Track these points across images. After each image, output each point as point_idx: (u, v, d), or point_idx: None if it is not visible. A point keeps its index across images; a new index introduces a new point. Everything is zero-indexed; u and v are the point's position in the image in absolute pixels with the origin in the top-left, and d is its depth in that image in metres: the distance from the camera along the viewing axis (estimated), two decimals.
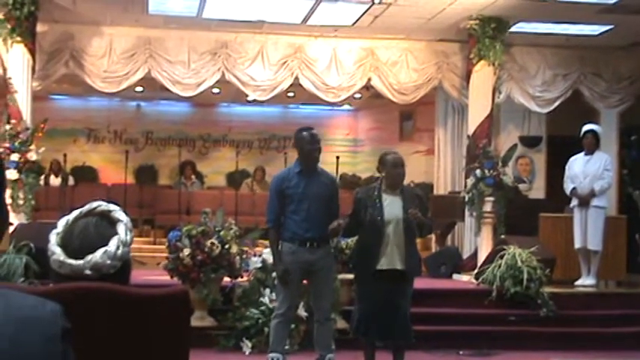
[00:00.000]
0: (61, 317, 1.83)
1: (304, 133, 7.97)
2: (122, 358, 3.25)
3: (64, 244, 2.95)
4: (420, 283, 12.18)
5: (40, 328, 1.77)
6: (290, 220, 7.87)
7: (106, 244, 2.92)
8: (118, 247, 2.94)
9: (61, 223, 2.99)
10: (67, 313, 1.89)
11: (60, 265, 2.92)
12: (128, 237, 2.99)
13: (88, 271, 2.89)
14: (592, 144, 11.96)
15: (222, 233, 10.04)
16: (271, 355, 7.99)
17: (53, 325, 1.80)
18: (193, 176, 17.84)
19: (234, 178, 17.99)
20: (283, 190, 7.88)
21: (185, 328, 3.75)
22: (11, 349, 1.72)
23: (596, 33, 13.58)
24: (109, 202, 3.10)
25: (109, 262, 2.93)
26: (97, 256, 2.89)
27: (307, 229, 7.81)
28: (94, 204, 3.05)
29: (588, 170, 11.94)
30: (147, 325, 3.52)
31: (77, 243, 2.96)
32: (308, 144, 7.91)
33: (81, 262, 2.91)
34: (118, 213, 3.02)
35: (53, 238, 2.97)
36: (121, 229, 2.99)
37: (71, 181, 17.30)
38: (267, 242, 11.05)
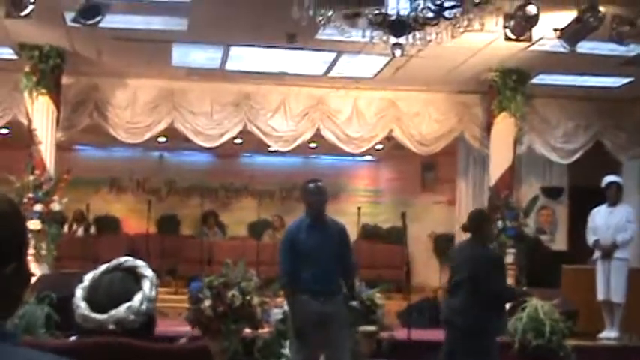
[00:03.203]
0: None
1: (310, 185, 8.04)
2: None
3: (89, 299, 2.98)
4: (440, 335, 12.20)
5: None
6: (302, 272, 7.85)
7: (130, 299, 2.95)
8: (142, 303, 2.97)
9: (88, 278, 3.02)
10: None
11: (85, 319, 2.95)
12: (153, 292, 3.02)
13: (111, 326, 2.92)
14: (615, 196, 11.93)
15: (243, 284, 10.04)
16: None
17: None
18: (215, 227, 17.88)
19: (256, 228, 18.00)
20: (294, 244, 7.89)
21: None
22: None
23: (617, 85, 13.61)
24: (135, 257, 3.13)
25: (132, 317, 2.96)
26: (121, 310, 2.92)
27: (318, 281, 7.79)
28: (122, 259, 3.10)
29: (611, 222, 11.90)
30: None
31: (102, 297, 2.99)
32: (313, 195, 7.97)
33: (105, 316, 2.94)
34: (144, 269, 3.06)
35: (79, 292, 3.00)
36: (146, 284, 3.02)
37: (94, 230, 17.38)
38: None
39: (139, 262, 3.09)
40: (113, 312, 2.93)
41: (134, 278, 3.05)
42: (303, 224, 8.04)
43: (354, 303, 8.11)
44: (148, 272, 3.06)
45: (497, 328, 8.45)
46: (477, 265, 8.07)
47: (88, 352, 2.82)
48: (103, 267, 3.08)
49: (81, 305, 2.97)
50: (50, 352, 1.91)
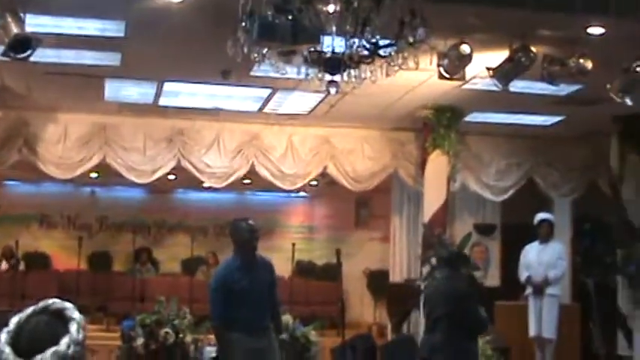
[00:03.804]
0: None
1: (242, 223, 8.04)
2: None
3: (13, 343, 2.88)
4: None
5: None
6: (235, 311, 7.83)
7: (56, 344, 2.86)
8: (68, 346, 2.87)
9: (13, 321, 2.92)
10: None
11: None
12: (80, 336, 2.93)
13: None
14: (547, 233, 12.08)
15: (176, 322, 9.95)
16: None
17: None
18: (148, 263, 17.69)
19: (190, 265, 17.84)
20: (228, 286, 7.83)
21: None
22: None
23: (548, 123, 13.79)
24: (65, 294, 3.06)
25: None
26: (47, 356, 2.83)
27: (252, 319, 7.85)
28: (49, 301, 3.00)
29: (543, 259, 12.03)
30: None
31: (27, 342, 2.89)
32: (247, 233, 7.95)
33: None
34: (72, 311, 2.97)
35: (3, 336, 2.90)
36: (73, 327, 2.93)
37: (23, 267, 17.06)
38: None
39: (67, 305, 2.99)
40: (39, 357, 2.83)
41: (61, 321, 2.96)
42: (233, 265, 8.01)
43: (284, 336, 8.09)
44: (76, 315, 2.97)
45: None
46: (458, 300, 8.10)
47: None
48: (29, 310, 2.98)
49: (5, 350, 2.87)
50: None
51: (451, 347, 8.01)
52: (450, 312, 8.03)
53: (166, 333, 9.77)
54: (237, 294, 7.79)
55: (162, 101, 13.03)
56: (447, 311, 8.06)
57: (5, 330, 2.91)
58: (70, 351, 2.89)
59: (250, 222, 8.06)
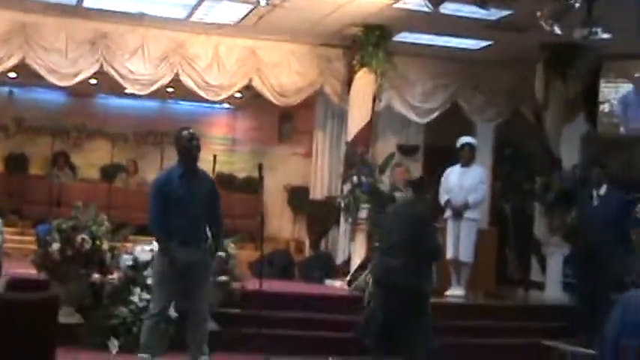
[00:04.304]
0: None
1: (184, 132, 8.07)
2: None
3: None
4: (292, 287, 12.26)
5: None
6: (170, 220, 7.85)
7: None
8: None
9: None
10: None
11: None
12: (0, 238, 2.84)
13: None
14: (469, 157, 12.17)
15: (93, 228, 9.82)
16: (142, 355, 7.86)
17: None
18: (66, 168, 17.41)
19: (109, 172, 17.60)
20: (165, 193, 7.89)
21: (51, 332, 3.61)
22: None
23: (477, 47, 13.79)
24: None
25: None
26: None
27: (187, 229, 7.84)
28: None
29: (463, 183, 12.14)
30: (13, 328, 3.37)
31: None
32: (187, 141, 7.98)
33: None
34: None
35: None
36: None
37: None
38: (139, 239, 10.93)
39: None
40: None
41: None
42: (174, 173, 8.05)
43: (221, 254, 8.09)
44: None
45: (431, 287, 8.83)
46: (416, 225, 8.43)
47: None
48: None
49: None
50: None
51: (407, 271, 8.29)
52: (411, 237, 8.32)
53: (83, 239, 9.63)
54: (173, 202, 7.83)
55: (87, 2, 12.69)
56: (407, 236, 8.34)
57: None
58: None
59: (191, 131, 8.09)
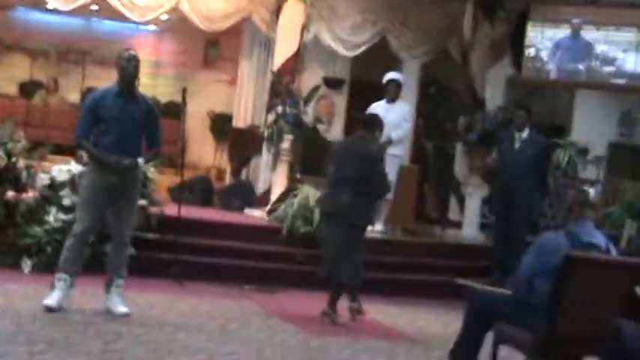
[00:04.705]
0: None
1: (124, 52, 7.99)
2: None
3: None
4: (211, 214, 12.22)
5: None
6: (100, 140, 7.80)
7: None
8: None
9: None
10: None
11: None
12: None
13: None
14: (394, 93, 12.15)
15: (9, 145, 9.63)
16: (60, 274, 7.74)
17: None
18: None
19: (27, 88, 17.23)
20: (97, 110, 7.82)
21: None
22: None
23: None
24: None
25: None
26: None
27: (116, 149, 7.74)
28: None
29: (388, 118, 12.05)
30: None
31: None
32: (125, 61, 7.88)
33: None
34: None
35: None
36: None
37: None
38: (57, 158, 10.74)
39: None
40: None
41: None
42: (110, 92, 7.95)
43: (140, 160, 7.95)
44: None
45: (372, 221, 9.29)
46: (367, 163, 8.62)
47: None
48: None
49: None
50: None
51: (356, 206, 8.51)
52: (358, 172, 8.50)
53: None
54: (105, 120, 7.76)
55: None
56: (355, 171, 8.52)
57: None
58: None
59: (132, 52, 7.98)
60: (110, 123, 7.76)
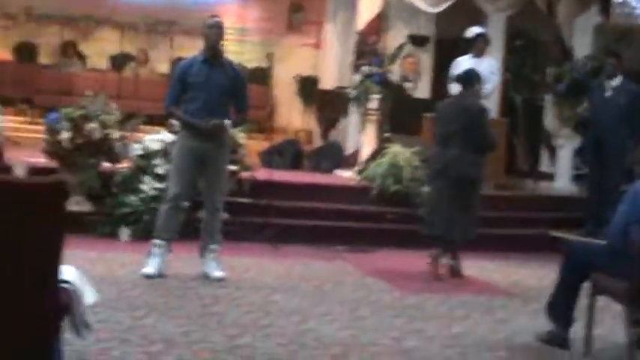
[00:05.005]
0: None
1: (208, 19, 8.09)
2: None
3: None
4: (301, 177, 12.31)
5: None
6: (188, 107, 7.94)
7: None
8: None
9: None
10: None
11: None
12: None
13: None
14: (482, 48, 12.00)
15: (103, 117, 9.83)
16: (156, 241, 7.93)
17: None
18: (75, 57, 17.33)
19: (118, 61, 17.53)
20: (185, 78, 7.95)
21: (62, 217, 3.63)
22: None
23: None
24: None
25: None
26: None
27: (204, 117, 7.84)
28: None
29: None
30: (24, 212, 3.39)
31: None
32: (208, 28, 7.99)
33: None
34: None
35: None
36: None
37: None
38: (149, 129, 10.94)
39: None
40: None
41: None
42: (197, 60, 8.07)
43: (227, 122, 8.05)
44: None
45: (483, 176, 9.17)
46: (471, 117, 8.74)
47: None
48: None
49: None
50: None
51: (463, 160, 8.67)
52: (464, 127, 8.65)
53: (92, 128, 9.64)
54: (191, 87, 7.90)
55: None
56: (460, 126, 8.68)
57: None
58: None
59: (216, 19, 8.08)
60: (197, 90, 7.86)
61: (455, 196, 8.70)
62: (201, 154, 7.88)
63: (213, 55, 7.99)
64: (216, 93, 7.87)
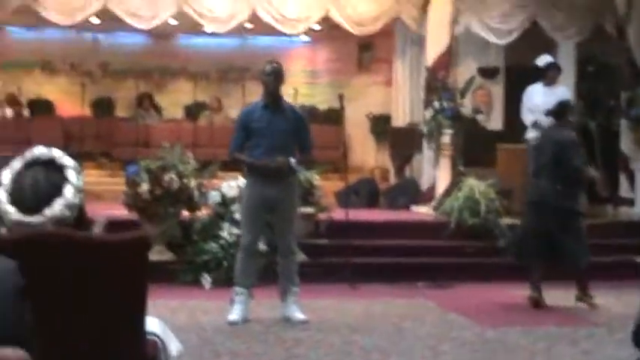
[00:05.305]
0: (13, 275, 1.82)
1: (266, 66, 8.13)
2: (80, 302, 3.24)
3: (15, 201, 2.85)
4: (378, 215, 12.35)
5: None
6: (252, 153, 8.01)
7: (59, 194, 2.85)
8: (74, 195, 2.89)
9: (6, 178, 2.86)
10: (23, 262, 1.87)
11: (18, 224, 2.82)
12: (80, 182, 2.92)
13: (50, 227, 2.83)
14: (555, 77, 11.96)
15: (180, 167, 10.01)
16: (237, 288, 8.03)
17: (6, 283, 1.80)
18: (151, 109, 17.71)
19: (192, 111, 17.87)
20: (248, 124, 8.03)
21: (144, 271, 3.74)
22: None
23: None
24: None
25: (69, 213, 2.88)
26: (56, 209, 2.83)
27: (268, 158, 7.90)
28: (36, 152, 2.95)
29: (549, 101, 11.92)
30: (105, 269, 3.51)
31: (31, 198, 2.85)
32: (265, 75, 8.05)
33: (41, 218, 2.83)
34: (64, 158, 2.94)
35: (3, 196, 2.85)
36: (71, 175, 2.91)
37: (27, 113, 17.11)
38: (226, 175, 11.10)
39: (56, 152, 2.96)
40: (48, 212, 2.82)
41: (57, 171, 2.93)
42: (258, 105, 8.17)
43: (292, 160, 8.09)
44: (69, 161, 2.94)
45: (581, 207, 9.23)
46: (562, 149, 8.83)
47: (22, 248, 2.75)
48: (19, 163, 2.92)
49: (9, 210, 2.84)
50: None
51: (556, 192, 8.75)
52: (555, 159, 8.77)
53: (170, 178, 9.83)
54: (254, 133, 7.96)
55: None
56: (552, 158, 8.80)
57: (2, 189, 2.86)
58: (77, 200, 2.91)
59: (275, 65, 8.12)
60: (260, 136, 7.93)
61: (557, 226, 8.74)
62: (270, 199, 7.92)
63: (272, 100, 8.06)
64: (279, 137, 7.91)
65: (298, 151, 8.11)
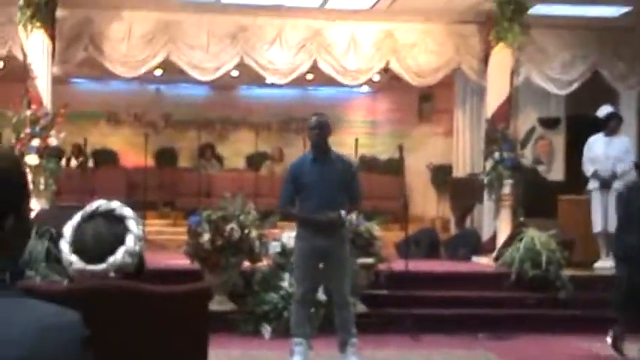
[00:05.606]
0: (79, 325, 1.89)
1: (312, 118, 8.19)
2: (142, 353, 3.31)
3: (78, 250, 2.96)
4: (438, 265, 12.32)
5: (59, 337, 1.83)
6: (304, 206, 8.05)
7: (121, 243, 2.95)
8: (135, 243, 2.98)
9: (69, 230, 2.99)
10: (87, 313, 1.94)
11: (82, 273, 2.93)
12: (140, 231, 3.02)
13: (112, 274, 2.93)
14: (617, 126, 11.92)
15: (241, 217, 10.09)
16: (295, 339, 8.06)
17: (72, 334, 1.86)
18: (213, 159, 17.93)
19: (254, 160, 18.05)
20: (297, 178, 8.06)
21: (204, 322, 3.81)
22: (31, 358, 1.78)
23: (615, 15, 13.52)
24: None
25: (130, 260, 2.97)
26: (119, 257, 2.92)
27: (319, 211, 7.92)
28: (94, 204, 3.06)
29: (610, 152, 11.91)
30: (167, 320, 3.58)
31: (93, 247, 2.97)
32: (312, 129, 8.10)
33: (104, 265, 2.93)
34: (123, 209, 3.04)
35: (65, 246, 2.97)
36: (131, 224, 3.01)
37: (91, 164, 17.41)
38: (286, 225, 11.17)
39: (115, 203, 3.06)
40: (111, 260, 2.92)
41: (117, 221, 3.04)
42: (306, 158, 8.23)
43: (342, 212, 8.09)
44: (128, 212, 3.05)
45: None
46: None
47: (85, 298, 2.83)
48: (79, 216, 3.04)
49: (73, 260, 2.95)
50: (49, 301, 1.94)
51: None
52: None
53: (232, 229, 9.91)
54: (304, 186, 7.98)
55: None
56: (634, 212, 8.63)
57: (64, 241, 2.98)
58: (138, 247, 3.00)
59: (321, 118, 8.13)
60: (311, 188, 7.95)
61: None
62: (321, 249, 7.94)
63: (320, 153, 8.09)
64: (330, 188, 7.91)
65: (347, 200, 8.11)
